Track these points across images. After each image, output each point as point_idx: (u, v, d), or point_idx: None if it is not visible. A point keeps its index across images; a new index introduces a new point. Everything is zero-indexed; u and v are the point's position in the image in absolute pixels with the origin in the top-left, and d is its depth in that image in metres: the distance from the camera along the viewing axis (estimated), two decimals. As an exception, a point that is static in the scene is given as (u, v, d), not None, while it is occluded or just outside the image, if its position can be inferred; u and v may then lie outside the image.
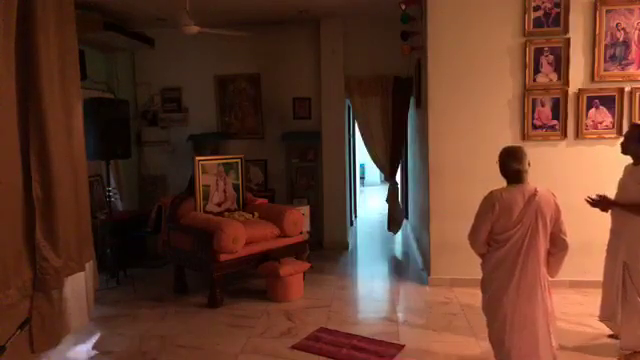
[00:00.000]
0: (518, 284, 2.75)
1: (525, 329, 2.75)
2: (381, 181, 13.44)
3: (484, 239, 2.87)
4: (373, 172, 13.47)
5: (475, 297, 4.59)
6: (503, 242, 2.78)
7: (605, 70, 4.65)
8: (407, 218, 8.15)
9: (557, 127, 4.74)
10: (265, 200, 5.84)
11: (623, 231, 3.29)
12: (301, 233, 5.30)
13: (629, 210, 3.23)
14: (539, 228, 2.72)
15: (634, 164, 3.34)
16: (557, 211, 2.75)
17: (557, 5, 4.65)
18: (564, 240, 2.77)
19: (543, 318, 2.76)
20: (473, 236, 2.91)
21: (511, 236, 2.75)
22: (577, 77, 4.69)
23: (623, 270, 3.28)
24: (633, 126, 3.47)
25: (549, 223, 2.73)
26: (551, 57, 4.70)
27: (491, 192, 2.85)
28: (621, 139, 3.49)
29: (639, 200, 3.19)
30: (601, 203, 3.27)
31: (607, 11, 4.60)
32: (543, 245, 2.75)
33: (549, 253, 2.80)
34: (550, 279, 2.83)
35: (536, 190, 2.74)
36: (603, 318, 3.52)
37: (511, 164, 2.80)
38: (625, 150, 3.37)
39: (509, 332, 2.78)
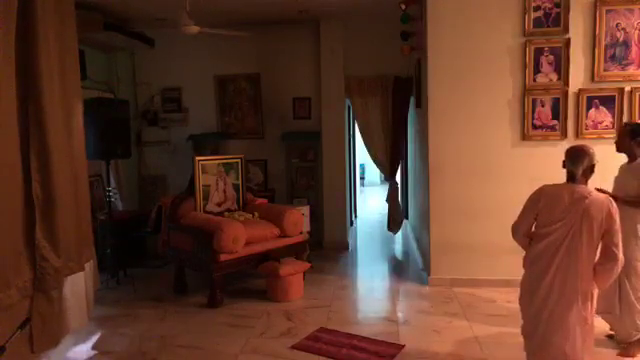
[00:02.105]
0: (552, 283, 2.67)
1: (554, 332, 2.68)
2: (381, 181, 13.44)
3: (525, 231, 2.84)
4: (373, 172, 13.46)
5: (475, 297, 4.62)
6: (542, 236, 2.72)
7: (605, 70, 4.65)
8: (407, 218, 8.15)
9: (557, 127, 4.75)
10: (265, 200, 5.84)
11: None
12: (301, 233, 5.30)
13: (629, 205, 3.29)
14: (583, 231, 2.62)
15: (628, 162, 3.44)
16: (610, 220, 2.61)
17: (557, 5, 4.65)
18: (614, 252, 2.62)
19: (579, 327, 2.65)
20: (515, 226, 2.88)
21: (551, 232, 2.68)
22: (577, 77, 4.69)
23: None
24: (623, 125, 3.56)
25: (596, 229, 2.61)
26: (551, 57, 4.70)
27: (542, 186, 2.82)
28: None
29: (633, 195, 3.29)
30: None
31: (607, 11, 4.60)
32: (587, 250, 2.64)
33: (598, 262, 2.68)
34: (597, 290, 2.73)
35: (590, 193, 2.66)
36: (600, 311, 3.53)
37: (566, 163, 2.77)
38: (619, 148, 3.46)
39: (539, 328, 2.73)
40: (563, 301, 2.66)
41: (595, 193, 2.68)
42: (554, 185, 2.79)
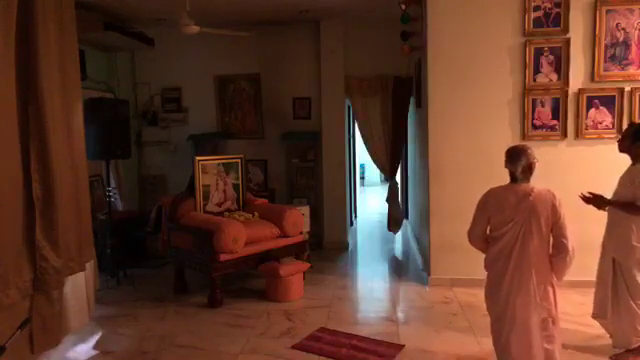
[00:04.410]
0: (511, 281, 2.77)
1: (517, 327, 2.77)
2: (381, 181, 13.44)
3: (479, 234, 2.94)
4: (373, 172, 13.46)
5: (475, 297, 4.62)
6: (497, 239, 2.83)
7: (605, 70, 4.65)
8: (407, 218, 8.15)
9: (557, 127, 4.74)
10: (265, 200, 5.83)
11: (613, 228, 3.33)
12: (301, 233, 5.30)
13: (620, 208, 3.26)
14: (532, 228, 2.72)
15: (633, 164, 3.36)
16: (555, 213, 2.71)
17: (557, 5, 4.65)
18: (563, 243, 2.70)
19: (537, 319, 2.74)
20: (469, 231, 3.00)
21: (504, 233, 2.78)
22: (577, 77, 4.69)
23: (613, 267, 3.31)
24: (629, 125, 3.51)
25: (544, 224, 2.71)
26: (551, 57, 4.70)
27: (489, 189, 2.93)
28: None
29: (629, 198, 3.22)
30: (594, 201, 3.28)
31: (607, 11, 4.60)
32: (539, 245, 2.74)
33: (551, 255, 2.77)
34: (558, 282, 2.81)
35: (532, 190, 2.74)
36: (595, 315, 3.53)
37: (506, 164, 2.85)
38: (621, 148, 3.40)
39: (504, 327, 2.81)
40: (522, 298, 2.75)
41: (537, 189, 2.75)
42: (500, 187, 2.88)
